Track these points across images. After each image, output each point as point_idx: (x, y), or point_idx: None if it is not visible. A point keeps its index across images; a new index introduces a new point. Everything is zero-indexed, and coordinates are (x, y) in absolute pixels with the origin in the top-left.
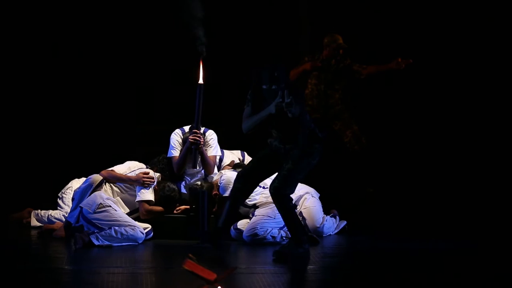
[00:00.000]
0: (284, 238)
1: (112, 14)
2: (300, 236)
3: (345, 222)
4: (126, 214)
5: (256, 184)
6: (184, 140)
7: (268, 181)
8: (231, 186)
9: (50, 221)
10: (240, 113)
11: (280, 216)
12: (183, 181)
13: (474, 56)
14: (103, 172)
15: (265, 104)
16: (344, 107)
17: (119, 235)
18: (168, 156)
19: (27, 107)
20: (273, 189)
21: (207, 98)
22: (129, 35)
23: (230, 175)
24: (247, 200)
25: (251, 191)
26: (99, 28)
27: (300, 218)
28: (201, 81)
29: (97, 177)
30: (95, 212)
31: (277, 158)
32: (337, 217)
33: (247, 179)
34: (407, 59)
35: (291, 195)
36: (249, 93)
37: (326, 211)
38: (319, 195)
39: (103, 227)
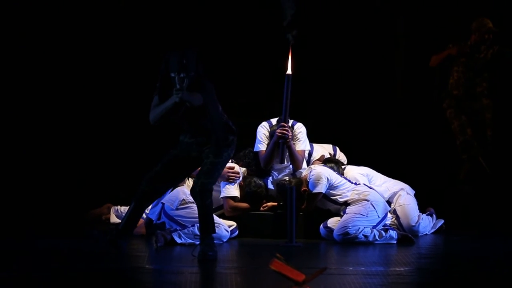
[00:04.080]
0: (377, 238)
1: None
2: (211, 238)
3: (442, 221)
4: None
5: (167, 187)
6: (271, 134)
7: (359, 177)
8: (321, 182)
9: None
10: (330, 105)
11: (373, 215)
12: (270, 176)
13: None
14: None
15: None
16: (491, 103)
17: None
18: (254, 150)
19: (110, 101)
20: (200, 185)
21: (295, 88)
22: (215, 24)
23: (320, 171)
24: (338, 197)
25: (161, 194)
26: (182, 20)
27: (394, 216)
28: (289, 71)
29: None
30: (177, 209)
31: (187, 157)
32: (434, 215)
33: (157, 181)
34: None
35: (384, 193)
36: (158, 80)
37: (422, 209)
38: (414, 192)
39: (186, 224)
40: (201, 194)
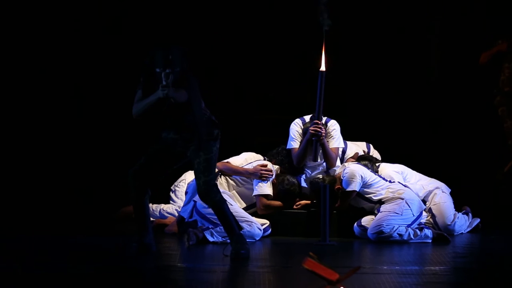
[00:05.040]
0: (412, 236)
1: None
2: (240, 235)
3: (478, 220)
4: (243, 209)
5: (152, 181)
6: (305, 131)
7: (394, 174)
8: (355, 180)
9: (162, 215)
10: (365, 102)
11: (408, 213)
12: (303, 174)
13: None
14: (218, 164)
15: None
16: None
17: None
18: (287, 147)
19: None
20: (203, 184)
21: (329, 86)
22: (245, 23)
23: (354, 168)
24: (372, 195)
25: (150, 187)
26: (216, 20)
27: (430, 215)
28: (323, 68)
29: None
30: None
31: (172, 152)
32: (470, 214)
33: (142, 175)
34: None
35: (419, 192)
36: (142, 75)
37: (458, 207)
38: (450, 190)
39: (218, 222)
40: (208, 192)
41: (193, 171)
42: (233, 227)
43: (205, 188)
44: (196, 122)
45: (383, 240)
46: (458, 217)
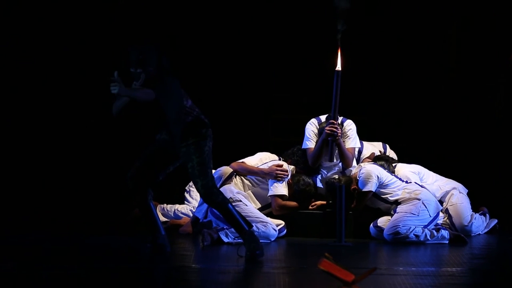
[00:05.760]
0: (428, 237)
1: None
2: (252, 234)
3: (496, 221)
4: (258, 209)
5: (151, 183)
6: (320, 131)
7: (410, 175)
8: (371, 180)
9: (176, 216)
10: (382, 102)
11: (424, 214)
12: (319, 174)
13: None
14: (233, 164)
15: None
16: None
17: None
18: (303, 147)
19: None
20: (202, 188)
21: (345, 85)
22: (263, 23)
23: (370, 169)
24: (388, 196)
25: (151, 187)
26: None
27: (446, 215)
28: (338, 67)
29: (227, 170)
30: None
31: (165, 152)
32: (487, 215)
33: (140, 177)
34: None
35: (436, 192)
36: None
37: (475, 208)
38: (467, 191)
39: None
40: (209, 195)
41: None
42: (242, 226)
43: (205, 192)
44: (167, 121)
45: (399, 241)
46: (475, 218)
